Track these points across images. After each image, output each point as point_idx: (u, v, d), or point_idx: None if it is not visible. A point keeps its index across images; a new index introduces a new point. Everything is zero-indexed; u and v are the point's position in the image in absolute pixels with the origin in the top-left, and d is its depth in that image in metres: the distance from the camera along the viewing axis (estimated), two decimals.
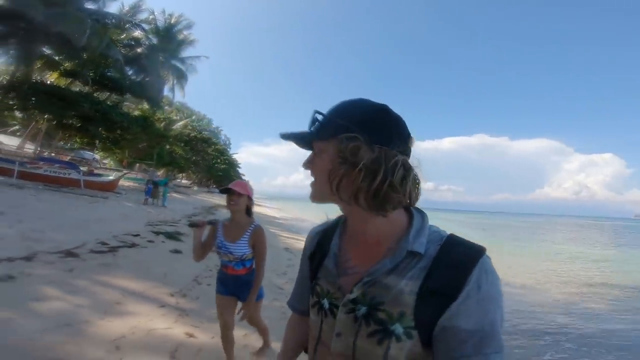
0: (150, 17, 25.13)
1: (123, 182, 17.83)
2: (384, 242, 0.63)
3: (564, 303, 7.18)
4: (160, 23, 26.08)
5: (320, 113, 0.65)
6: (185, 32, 27.57)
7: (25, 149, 21.78)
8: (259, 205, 36.44)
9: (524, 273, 10.35)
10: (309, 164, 0.67)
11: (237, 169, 59.13)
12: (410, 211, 0.65)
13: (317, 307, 0.69)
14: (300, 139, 0.69)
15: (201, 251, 2.29)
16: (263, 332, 2.58)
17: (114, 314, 3.19)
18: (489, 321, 0.54)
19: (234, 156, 61.64)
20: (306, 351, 0.80)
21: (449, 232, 0.64)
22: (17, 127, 29.43)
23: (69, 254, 4.72)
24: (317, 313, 0.69)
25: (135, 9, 22.27)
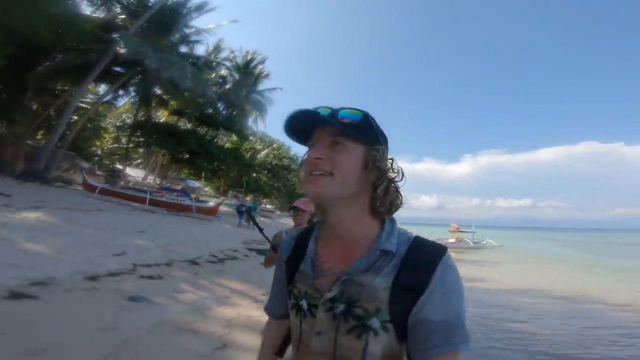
0: (231, 55, 27.59)
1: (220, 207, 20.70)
2: (360, 244, 0.68)
3: None
4: (239, 60, 28.18)
5: (360, 111, 0.68)
6: (260, 67, 29.32)
7: (147, 180, 26.91)
8: None
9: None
10: (322, 155, 0.66)
11: None
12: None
13: (296, 309, 0.72)
14: (317, 122, 0.68)
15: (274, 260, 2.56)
16: None
17: (226, 304, 4.45)
18: (454, 312, 0.59)
19: None
20: (280, 355, 0.88)
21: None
22: (139, 160, 36.01)
23: (193, 262, 6.41)
24: (296, 315, 0.72)
25: (217, 48, 25.53)
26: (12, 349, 2.36)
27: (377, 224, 0.70)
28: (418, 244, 0.67)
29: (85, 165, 24.89)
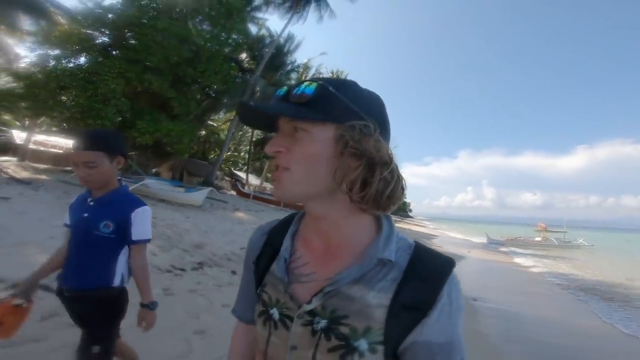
0: (319, 75, 32.23)
1: None
2: (350, 247, 0.58)
3: None
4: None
5: (315, 82, 0.54)
6: None
7: (263, 185, 33.42)
8: (420, 225, 39.68)
9: None
10: (281, 148, 0.55)
11: None
12: (378, 215, 0.59)
13: (265, 317, 0.61)
14: (264, 112, 0.55)
15: None
16: None
17: None
18: (457, 332, 0.54)
19: None
20: None
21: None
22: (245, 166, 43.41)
23: None
24: (264, 324, 0.61)
25: (306, 69, 30.27)
26: None
27: (370, 224, 0.59)
28: (421, 253, 0.57)
29: (218, 173, 32.33)
